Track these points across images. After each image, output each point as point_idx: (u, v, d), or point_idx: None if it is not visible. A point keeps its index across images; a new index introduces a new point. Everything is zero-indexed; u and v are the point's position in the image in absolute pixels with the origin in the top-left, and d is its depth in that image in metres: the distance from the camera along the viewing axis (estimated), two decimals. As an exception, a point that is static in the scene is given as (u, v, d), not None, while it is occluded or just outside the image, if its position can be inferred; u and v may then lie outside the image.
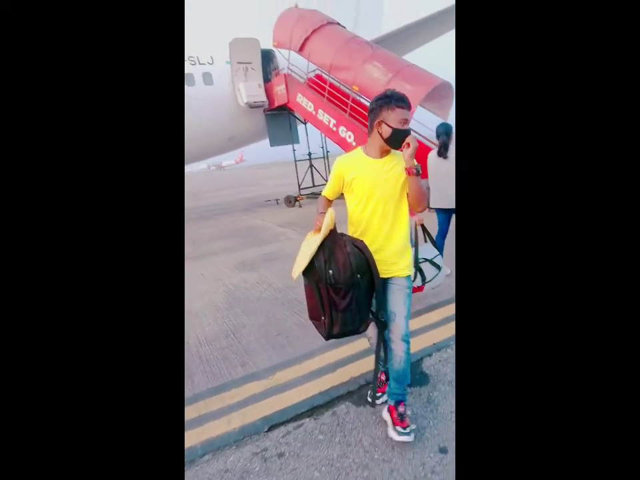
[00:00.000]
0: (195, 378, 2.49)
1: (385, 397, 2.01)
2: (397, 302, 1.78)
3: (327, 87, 8.53)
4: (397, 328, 1.76)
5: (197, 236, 7.95)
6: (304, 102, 9.14)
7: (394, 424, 1.78)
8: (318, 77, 9.36)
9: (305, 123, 10.57)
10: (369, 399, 2.02)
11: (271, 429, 1.93)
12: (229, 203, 14.07)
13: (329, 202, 1.92)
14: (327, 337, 1.71)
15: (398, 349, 1.76)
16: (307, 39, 8.51)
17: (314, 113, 8.92)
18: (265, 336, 2.98)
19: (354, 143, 8.07)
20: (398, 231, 1.80)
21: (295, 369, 2.45)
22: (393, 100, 1.66)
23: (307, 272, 1.71)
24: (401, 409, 1.81)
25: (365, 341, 2.35)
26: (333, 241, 1.69)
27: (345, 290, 1.63)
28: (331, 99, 8.61)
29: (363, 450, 1.73)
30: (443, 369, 2.24)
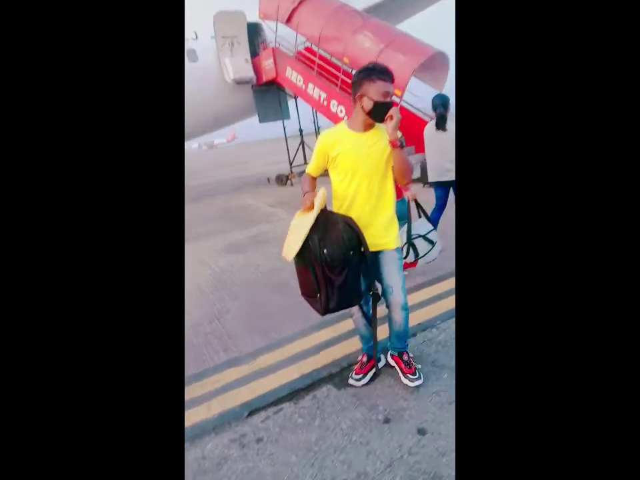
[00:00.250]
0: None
1: (366, 379, 2.01)
2: (392, 275, 1.84)
3: (317, 60, 8.25)
4: (396, 299, 1.86)
5: (189, 218, 7.84)
6: (293, 76, 8.87)
7: (404, 373, 1.96)
8: (308, 49, 9.05)
9: (296, 98, 10.28)
10: (351, 381, 2.01)
11: (250, 414, 1.92)
12: (219, 182, 13.88)
13: (314, 179, 1.92)
14: (324, 312, 1.77)
15: (398, 317, 1.90)
16: (294, 10, 8.17)
17: (304, 87, 8.67)
18: (249, 320, 2.95)
19: (346, 117, 7.89)
20: (383, 206, 1.82)
21: (277, 352, 2.43)
22: (374, 72, 1.66)
23: (299, 252, 1.71)
24: (405, 357, 2.00)
25: (348, 322, 2.34)
26: (325, 219, 1.70)
27: (339, 267, 1.67)
28: (321, 72, 8.34)
29: (342, 433, 1.72)
30: (427, 350, 2.22)
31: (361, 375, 2.01)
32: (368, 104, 1.66)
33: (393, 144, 1.68)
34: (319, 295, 1.73)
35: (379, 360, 2.10)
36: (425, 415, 1.75)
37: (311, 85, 8.45)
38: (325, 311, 1.75)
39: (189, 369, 2.38)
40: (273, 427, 1.81)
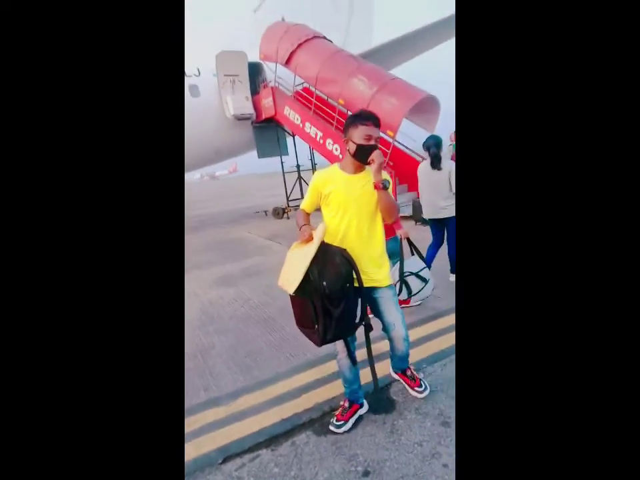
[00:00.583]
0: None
1: (348, 425, 1.94)
2: (391, 311, 1.93)
3: (314, 100, 8.55)
4: (398, 333, 1.97)
5: (186, 248, 7.83)
6: (291, 115, 9.15)
7: (410, 387, 2.15)
8: (305, 90, 9.40)
9: (293, 136, 10.57)
10: (332, 427, 1.94)
11: (225, 460, 1.83)
12: (218, 213, 13.99)
13: (307, 215, 2.00)
14: (322, 343, 1.79)
15: (401, 347, 2.02)
16: (293, 53, 8.55)
17: (301, 125, 8.93)
18: (233, 357, 2.88)
19: (340, 156, 8.08)
20: (374, 243, 1.90)
21: (258, 394, 2.35)
22: (357, 119, 1.79)
23: (299, 283, 1.74)
24: (408, 372, 2.18)
25: (333, 364, 2.30)
26: (324, 252, 1.75)
27: (338, 299, 1.72)
28: (318, 112, 8.62)
29: (319, 485, 1.64)
30: (411, 395, 2.16)
31: (342, 422, 1.95)
32: (352, 147, 1.79)
33: (376, 186, 1.76)
34: (316, 327, 1.75)
35: (362, 405, 2.05)
36: (405, 468, 1.67)
37: (307, 124, 8.71)
38: (322, 341, 1.77)
39: (167, 410, 2.29)
40: (248, 476, 1.73)
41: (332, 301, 1.70)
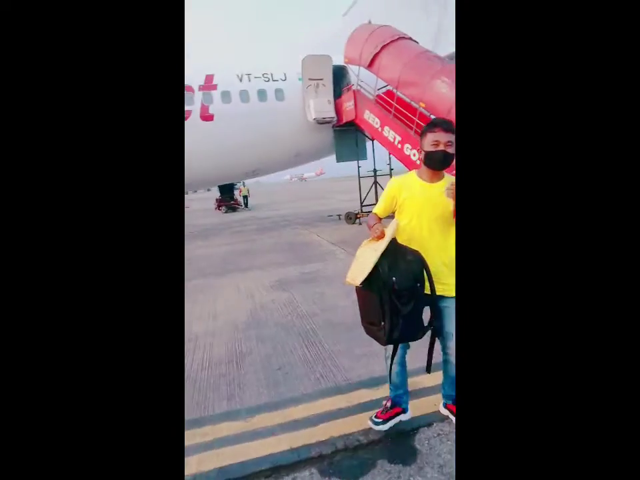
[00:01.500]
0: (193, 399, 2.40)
1: (386, 426, 1.98)
2: (452, 322, 1.87)
3: (394, 104, 8.24)
4: (454, 344, 1.89)
5: (256, 247, 8.16)
6: (371, 118, 8.95)
7: None
8: (387, 93, 9.11)
9: (372, 140, 10.34)
10: (370, 423, 2.00)
11: (222, 484, 1.74)
12: (294, 215, 14.33)
13: (379, 219, 1.99)
14: (387, 342, 1.78)
15: (454, 362, 1.91)
16: (376, 55, 8.33)
17: (380, 129, 8.68)
18: (265, 368, 2.81)
19: (418, 162, 7.66)
20: (445, 249, 1.86)
21: (277, 414, 2.23)
22: (426, 127, 1.87)
23: (367, 276, 1.73)
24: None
25: (359, 394, 2.15)
26: (395, 249, 1.75)
27: (407, 297, 1.70)
28: (398, 115, 8.29)
29: (309, 538, 1.46)
30: (439, 447, 1.85)
31: (381, 420, 1.99)
32: (422, 155, 1.87)
33: (450, 194, 1.73)
34: (382, 323, 1.71)
35: (404, 411, 2.05)
36: (411, 540, 1.40)
37: (387, 128, 8.43)
38: (388, 340, 1.75)
39: (187, 413, 2.29)
40: (238, 508, 1.61)
41: (401, 298, 1.68)
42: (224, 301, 4.53)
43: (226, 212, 19.42)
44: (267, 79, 10.86)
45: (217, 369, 2.87)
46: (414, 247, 1.82)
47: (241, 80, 10.78)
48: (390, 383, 2.05)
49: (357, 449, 1.88)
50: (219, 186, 19.14)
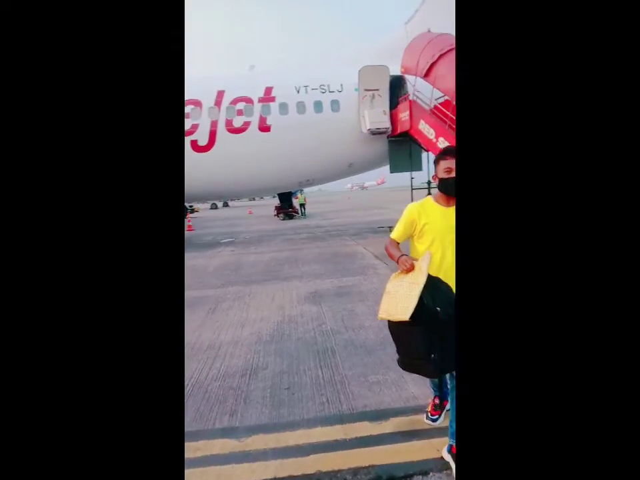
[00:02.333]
0: (198, 410, 2.44)
1: (441, 419, 2.16)
2: None
3: (450, 114, 7.88)
4: None
5: (301, 256, 8.23)
6: (425, 129, 8.66)
7: None
8: (445, 103, 8.75)
9: (427, 151, 9.98)
10: (427, 421, 2.19)
11: (198, 507, 1.72)
12: (348, 224, 14.26)
13: (398, 245, 2.01)
14: (439, 373, 1.84)
15: None
16: (432, 64, 8.07)
17: (434, 140, 8.37)
18: (274, 385, 2.77)
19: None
20: None
21: (272, 437, 2.18)
22: (439, 155, 1.95)
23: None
24: None
25: (360, 426, 2.11)
26: (433, 279, 1.74)
27: (450, 325, 1.66)
28: (454, 126, 7.91)
29: None
30: (432, 503, 1.66)
31: (437, 416, 2.18)
32: (437, 182, 1.94)
33: None
34: (432, 356, 1.69)
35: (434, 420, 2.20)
36: None
37: (441, 139, 8.09)
38: (440, 371, 1.77)
39: (188, 426, 2.32)
40: (206, 535, 1.58)
41: (446, 327, 1.63)
42: (255, 311, 4.59)
43: (283, 219, 19.91)
44: (323, 91, 10.99)
45: (229, 380, 2.89)
46: (434, 271, 1.79)
47: (298, 92, 11.03)
48: (431, 382, 2.26)
49: (340, 489, 1.76)
50: (278, 194, 19.72)
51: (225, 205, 50.58)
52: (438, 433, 2.09)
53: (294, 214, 21.04)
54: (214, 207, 45.83)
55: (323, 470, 1.89)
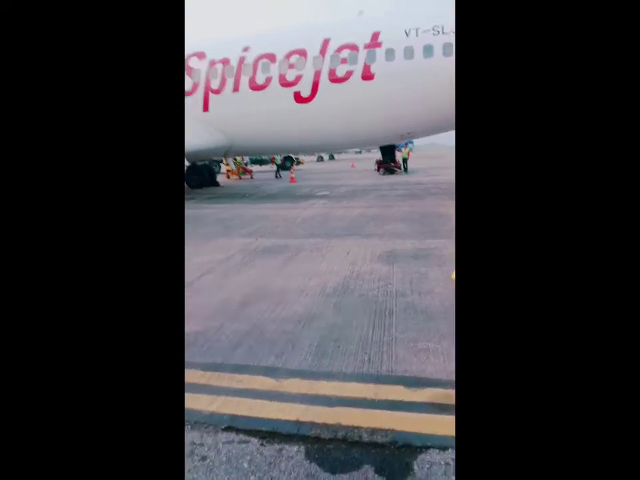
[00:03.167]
0: (250, 347, 2.71)
1: None
2: None
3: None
4: None
5: (390, 214, 8.03)
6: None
7: None
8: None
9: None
10: None
11: (226, 429, 1.93)
12: (451, 183, 13.26)
13: None
14: None
15: None
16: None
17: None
18: (323, 337, 2.86)
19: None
20: None
21: (306, 383, 2.28)
22: None
23: None
24: None
25: (392, 390, 1.96)
26: None
27: None
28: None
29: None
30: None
31: None
32: None
33: None
34: None
35: None
36: None
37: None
38: None
39: (237, 359, 2.56)
40: (219, 454, 1.77)
41: None
42: (327, 263, 4.69)
43: (383, 174, 19.40)
44: (436, 33, 9.94)
45: (284, 325, 3.07)
46: None
47: (407, 35, 10.17)
48: None
49: (352, 445, 1.79)
50: (380, 147, 19.10)
51: (331, 157, 51.17)
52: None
53: (395, 169, 20.28)
54: (320, 159, 46.76)
55: (343, 423, 1.93)
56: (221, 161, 21.38)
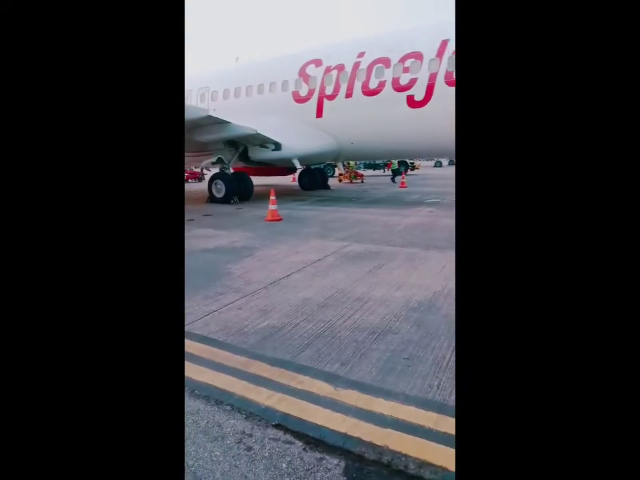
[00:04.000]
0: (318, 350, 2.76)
1: None
2: None
3: None
4: None
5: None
6: None
7: None
8: None
9: None
10: None
11: (276, 426, 1.99)
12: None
13: None
14: None
15: None
16: None
17: None
18: (395, 351, 2.73)
19: None
20: None
21: (364, 397, 2.21)
22: None
23: None
24: None
25: (450, 423, 1.79)
26: None
27: None
28: None
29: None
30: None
31: None
32: None
33: None
34: None
35: None
36: None
37: None
38: None
39: (304, 360, 2.62)
40: (262, 448, 1.82)
41: None
42: (418, 276, 4.46)
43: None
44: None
45: (358, 334, 3.02)
46: None
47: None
48: None
49: (395, 473, 1.67)
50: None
51: (451, 163, 48.53)
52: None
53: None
54: (438, 164, 44.77)
55: (390, 447, 1.82)
56: (335, 165, 22.04)
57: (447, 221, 8.19)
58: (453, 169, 35.97)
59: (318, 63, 11.94)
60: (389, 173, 23.70)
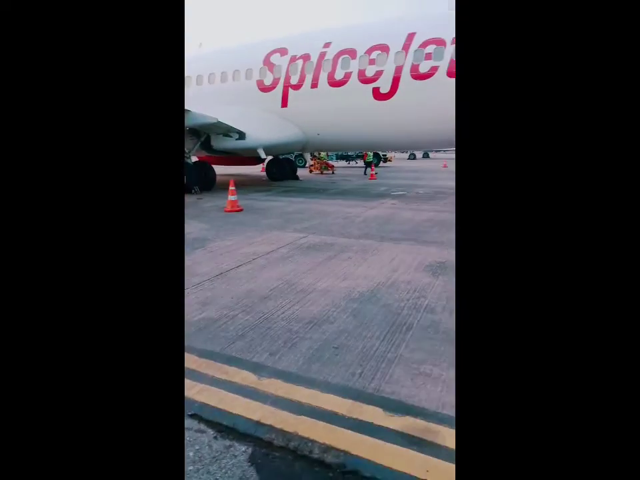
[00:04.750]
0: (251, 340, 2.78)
1: None
2: None
3: None
4: None
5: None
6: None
7: None
8: None
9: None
10: None
11: (192, 416, 2.00)
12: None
13: None
14: None
15: None
16: None
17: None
18: (326, 341, 2.79)
19: None
20: None
21: (285, 386, 2.25)
22: None
23: None
24: None
25: (368, 412, 1.85)
26: None
27: None
28: None
29: None
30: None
31: None
32: None
33: None
34: None
35: None
36: None
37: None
38: None
39: (235, 351, 2.63)
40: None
41: None
42: (366, 268, 4.54)
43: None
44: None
45: (293, 324, 3.06)
46: None
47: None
48: None
49: (298, 458, 1.72)
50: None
51: (425, 155, 49.22)
52: (447, 455, 1.73)
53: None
54: (412, 157, 45.31)
55: (300, 433, 1.87)
56: (302, 155, 21.95)
57: (408, 213, 8.35)
58: (426, 162, 36.53)
59: (283, 52, 11.79)
60: (362, 164, 23.81)
